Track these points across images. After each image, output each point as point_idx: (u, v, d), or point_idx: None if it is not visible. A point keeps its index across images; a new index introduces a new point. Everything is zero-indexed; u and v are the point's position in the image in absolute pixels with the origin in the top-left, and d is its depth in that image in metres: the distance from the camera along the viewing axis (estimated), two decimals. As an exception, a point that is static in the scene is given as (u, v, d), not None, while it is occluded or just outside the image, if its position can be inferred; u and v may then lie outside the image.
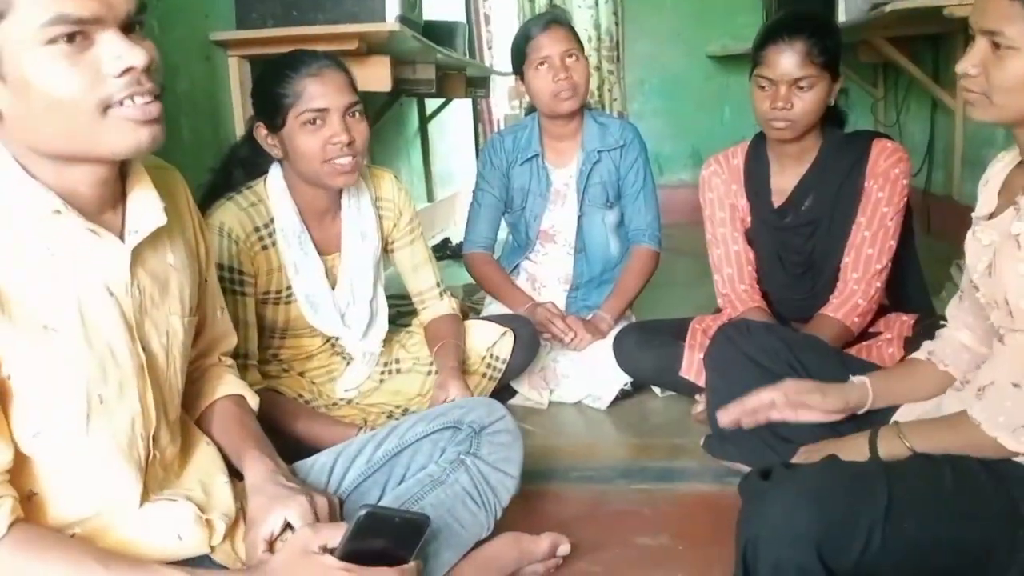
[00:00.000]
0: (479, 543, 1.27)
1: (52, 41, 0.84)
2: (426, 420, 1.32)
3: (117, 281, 0.98)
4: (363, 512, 0.96)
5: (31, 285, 0.91)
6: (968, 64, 1.07)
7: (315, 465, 1.29)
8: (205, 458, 1.15)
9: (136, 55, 0.87)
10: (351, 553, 0.97)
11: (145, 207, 1.00)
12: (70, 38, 0.84)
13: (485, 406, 1.35)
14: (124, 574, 0.91)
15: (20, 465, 0.92)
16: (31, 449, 0.92)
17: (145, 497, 1.02)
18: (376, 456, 1.29)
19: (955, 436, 1.14)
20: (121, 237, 0.99)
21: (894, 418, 1.34)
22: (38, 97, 0.86)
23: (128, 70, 0.87)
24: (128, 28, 0.89)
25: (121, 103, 0.88)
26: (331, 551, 0.97)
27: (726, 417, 1.37)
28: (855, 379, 1.37)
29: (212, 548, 1.04)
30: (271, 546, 1.03)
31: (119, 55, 0.87)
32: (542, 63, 2.15)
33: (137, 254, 1.00)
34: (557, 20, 2.21)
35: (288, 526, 1.04)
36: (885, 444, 1.19)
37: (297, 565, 0.96)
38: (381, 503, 1.24)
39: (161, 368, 1.05)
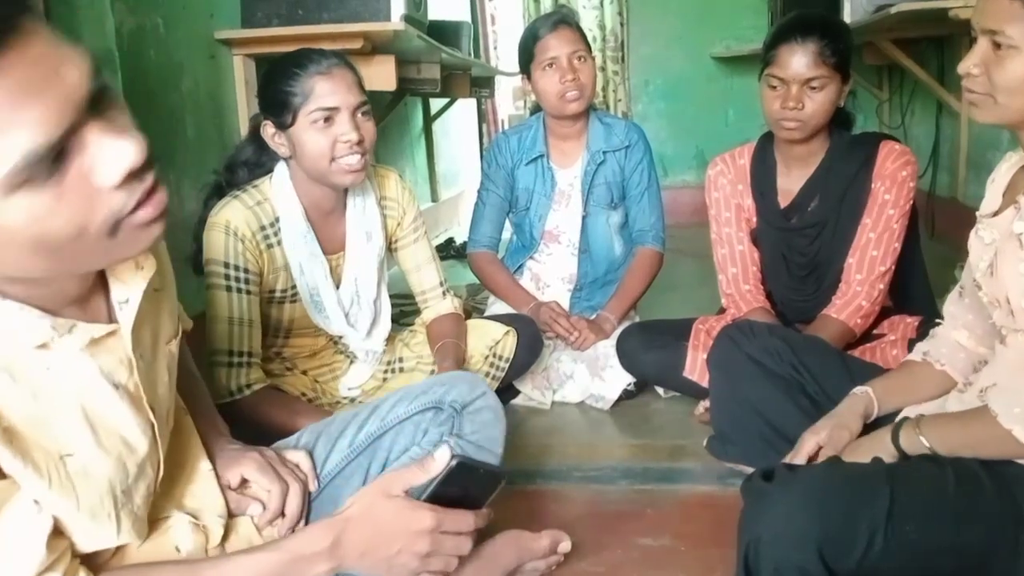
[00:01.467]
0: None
1: (26, 182, 0.66)
2: (407, 400, 1.31)
3: (120, 368, 0.87)
4: (455, 462, 0.98)
5: (40, 418, 0.79)
6: (970, 64, 1.07)
7: (296, 445, 1.29)
8: (190, 453, 1.10)
9: (127, 150, 0.70)
10: (433, 497, 0.99)
11: (127, 264, 0.87)
12: (47, 170, 0.66)
13: (466, 382, 1.34)
14: (215, 572, 0.89)
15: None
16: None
17: (145, 535, 0.96)
18: (358, 439, 1.29)
19: (972, 430, 1.11)
20: (109, 314, 0.86)
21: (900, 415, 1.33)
22: (23, 242, 0.69)
23: (127, 175, 0.71)
24: (97, 101, 0.70)
25: (131, 213, 0.73)
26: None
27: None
28: (857, 391, 1.37)
29: (207, 552, 1.02)
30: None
31: (108, 160, 0.69)
32: (550, 64, 2.15)
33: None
34: (565, 21, 2.21)
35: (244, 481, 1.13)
36: (906, 438, 1.17)
37: (381, 507, 0.95)
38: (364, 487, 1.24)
39: (164, 407, 0.98)
